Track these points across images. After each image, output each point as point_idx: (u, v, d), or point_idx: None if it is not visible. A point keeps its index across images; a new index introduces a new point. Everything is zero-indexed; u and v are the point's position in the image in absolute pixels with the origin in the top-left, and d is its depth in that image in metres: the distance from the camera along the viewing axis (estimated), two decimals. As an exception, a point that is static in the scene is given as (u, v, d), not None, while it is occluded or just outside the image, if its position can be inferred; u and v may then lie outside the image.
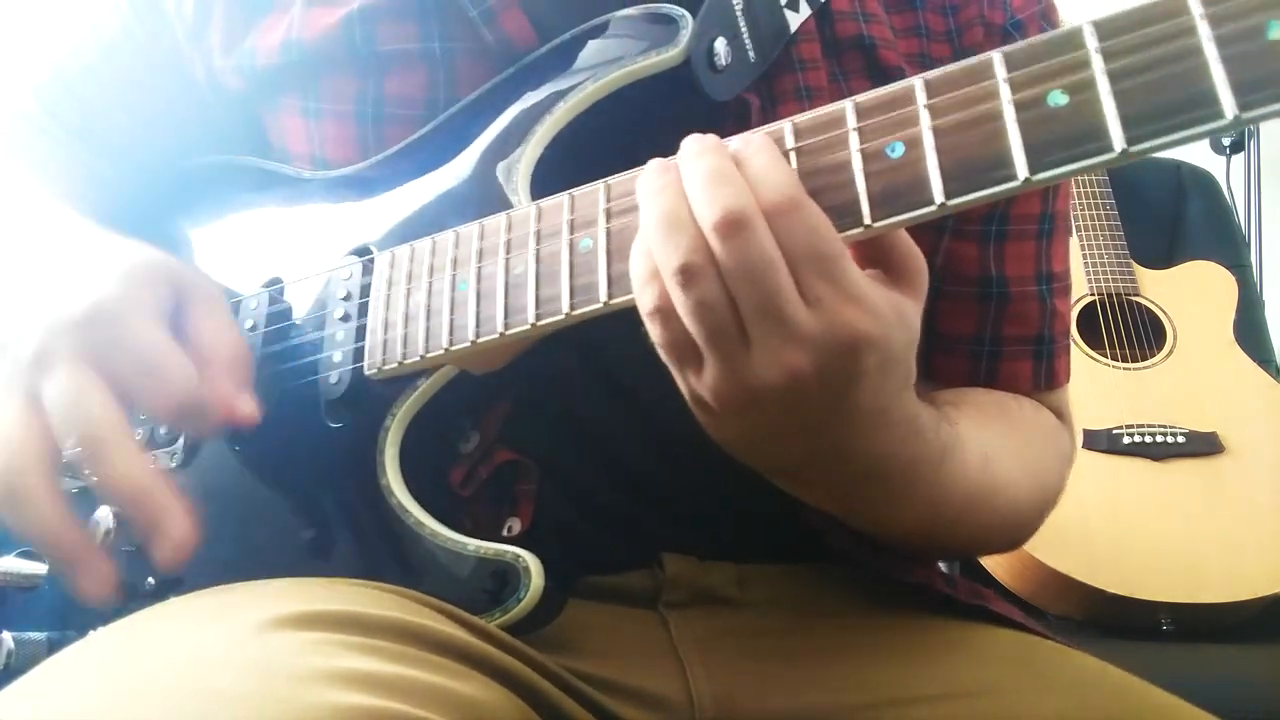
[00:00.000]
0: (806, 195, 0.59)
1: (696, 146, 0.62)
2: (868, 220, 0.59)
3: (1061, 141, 0.54)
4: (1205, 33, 0.50)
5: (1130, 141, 0.52)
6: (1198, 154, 2.48)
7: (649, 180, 0.62)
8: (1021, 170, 0.54)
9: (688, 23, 0.74)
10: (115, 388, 0.69)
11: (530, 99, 0.77)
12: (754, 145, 0.61)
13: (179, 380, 0.70)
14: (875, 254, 0.63)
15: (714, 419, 0.64)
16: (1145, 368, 2.00)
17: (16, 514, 0.69)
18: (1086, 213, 2.16)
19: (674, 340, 0.61)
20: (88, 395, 0.68)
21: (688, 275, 0.58)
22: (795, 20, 0.83)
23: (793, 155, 0.61)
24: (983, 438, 0.79)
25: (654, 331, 0.62)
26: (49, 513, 0.69)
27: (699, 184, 0.60)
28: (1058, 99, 0.54)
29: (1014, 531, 0.89)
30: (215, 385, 0.72)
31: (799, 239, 0.58)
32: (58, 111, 1.01)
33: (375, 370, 0.77)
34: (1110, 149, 0.52)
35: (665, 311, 0.61)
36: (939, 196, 0.57)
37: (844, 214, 0.59)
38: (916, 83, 0.58)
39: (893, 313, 0.60)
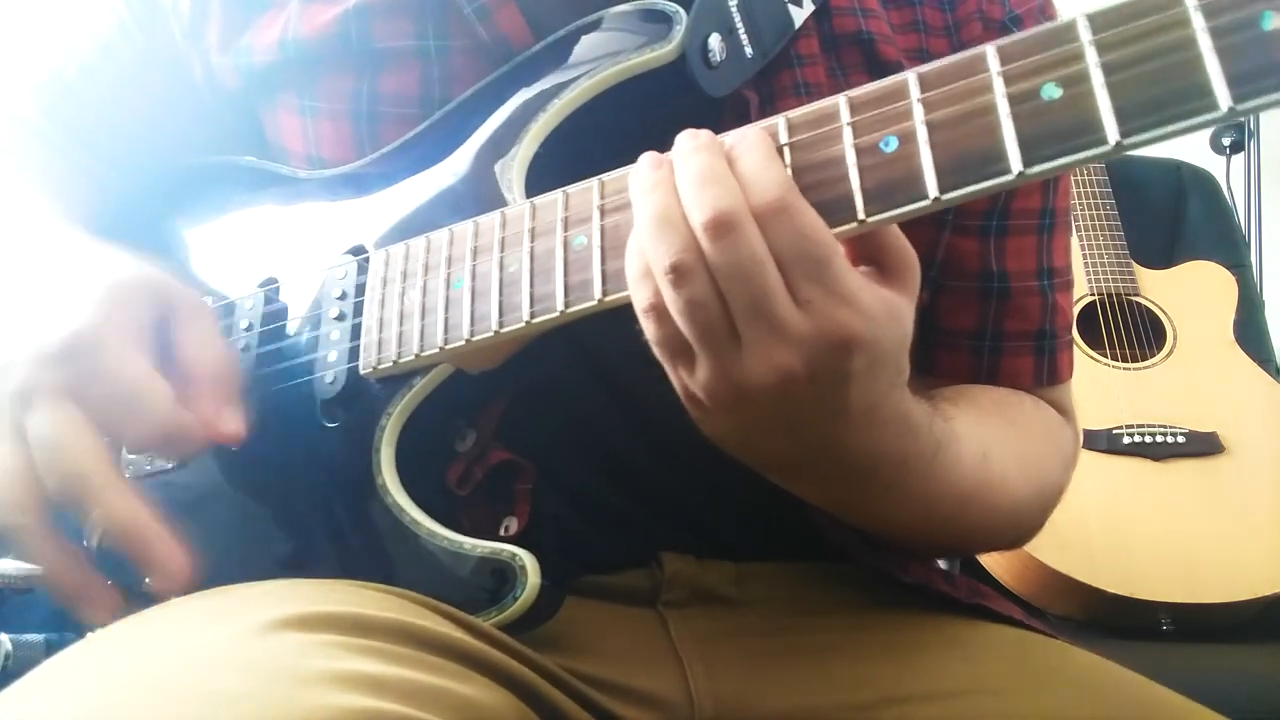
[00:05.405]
0: (798, 195, 0.59)
1: (690, 144, 0.62)
2: (862, 215, 0.58)
3: (1055, 134, 0.54)
4: (1199, 24, 0.50)
5: (1124, 134, 0.52)
6: (1198, 154, 2.48)
7: (642, 178, 0.62)
8: (1015, 164, 0.54)
9: (681, 19, 0.74)
10: (97, 420, 0.70)
11: (525, 96, 0.77)
12: (747, 142, 0.61)
13: (158, 411, 0.71)
14: (868, 250, 0.63)
15: (706, 415, 0.65)
16: (1145, 368, 2.00)
17: (15, 551, 0.71)
18: (1087, 213, 2.16)
19: (667, 338, 0.62)
20: (68, 433, 0.69)
21: (679, 274, 0.59)
22: (799, 15, 0.82)
23: (786, 150, 0.61)
24: (980, 434, 0.78)
25: (648, 329, 0.62)
26: (44, 549, 0.70)
27: (690, 183, 0.60)
28: (1051, 92, 0.54)
29: (1015, 528, 0.88)
30: (199, 405, 0.73)
31: (788, 240, 0.58)
32: (55, 113, 1.01)
33: (371, 369, 0.76)
34: (1104, 141, 0.52)
35: (658, 310, 0.61)
36: (933, 191, 0.56)
37: (838, 209, 0.59)
38: (910, 77, 0.58)
39: (884, 312, 0.60)
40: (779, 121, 0.62)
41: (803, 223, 0.58)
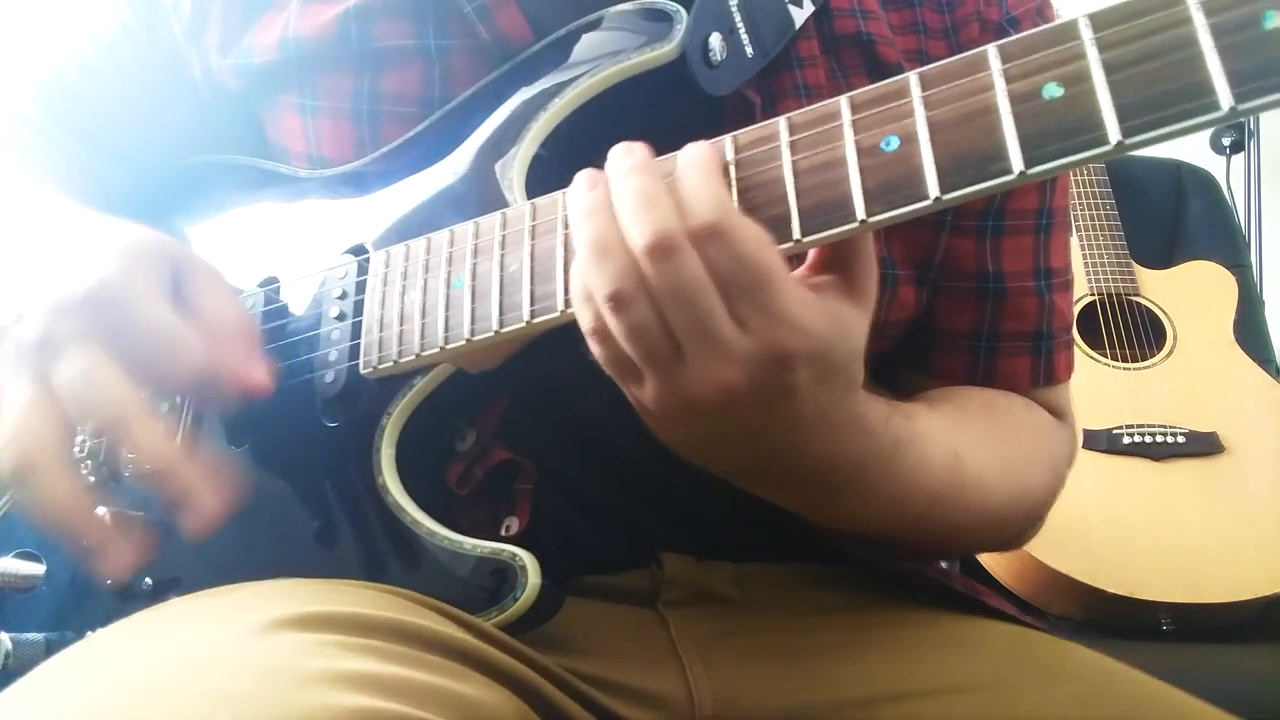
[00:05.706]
0: (734, 216, 0.59)
1: (626, 162, 0.62)
2: (862, 215, 0.58)
3: (1057, 133, 0.53)
4: (1201, 23, 0.50)
5: (1126, 133, 0.52)
6: (1198, 154, 2.48)
7: (579, 201, 0.63)
8: (1017, 163, 0.54)
9: (682, 18, 0.74)
10: (125, 366, 0.69)
11: (525, 95, 0.77)
12: (690, 161, 0.62)
13: (190, 352, 0.70)
14: (836, 257, 0.63)
15: (658, 424, 0.65)
16: (1145, 368, 2.00)
17: (31, 498, 0.69)
18: (1086, 213, 2.16)
19: (613, 358, 0.62)
20: (102, 375, 0.68)
21: (618, 302, 0.59)
22: (800, 16, 0.82)
23: (786, 151, 0.61)
24: (953, 434, 0.78)
25: (594, 350, 0.63)
26: (64, 494, 0.69)
27: (628, 207, 0.60)
28: (1053, 91, 0.54)
29: (995, 530, 0.88)
30: (225, 355, 0.72)
31: (725, 264, 0.58)
32: (56, 112, 1.01)
33: (371, 369, 0.76)
34: (1106, 141, 0.52)
35: (601, 332, 0.62)
36: (934, 190, 0.56)
37: (838, 209, 0.59)
38: (911, 77, 0.58)
39: (828, 327, 0.60)
40: (780, 123, 0.62)
41: (739, 245, 0.58)
